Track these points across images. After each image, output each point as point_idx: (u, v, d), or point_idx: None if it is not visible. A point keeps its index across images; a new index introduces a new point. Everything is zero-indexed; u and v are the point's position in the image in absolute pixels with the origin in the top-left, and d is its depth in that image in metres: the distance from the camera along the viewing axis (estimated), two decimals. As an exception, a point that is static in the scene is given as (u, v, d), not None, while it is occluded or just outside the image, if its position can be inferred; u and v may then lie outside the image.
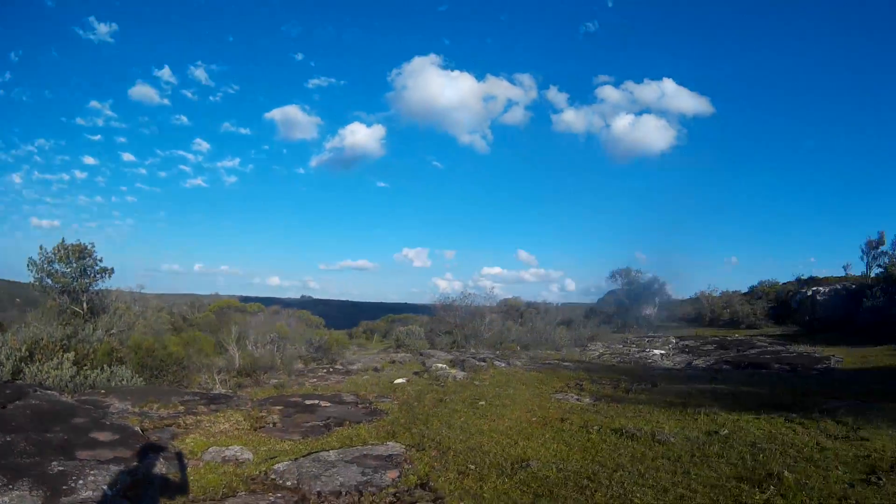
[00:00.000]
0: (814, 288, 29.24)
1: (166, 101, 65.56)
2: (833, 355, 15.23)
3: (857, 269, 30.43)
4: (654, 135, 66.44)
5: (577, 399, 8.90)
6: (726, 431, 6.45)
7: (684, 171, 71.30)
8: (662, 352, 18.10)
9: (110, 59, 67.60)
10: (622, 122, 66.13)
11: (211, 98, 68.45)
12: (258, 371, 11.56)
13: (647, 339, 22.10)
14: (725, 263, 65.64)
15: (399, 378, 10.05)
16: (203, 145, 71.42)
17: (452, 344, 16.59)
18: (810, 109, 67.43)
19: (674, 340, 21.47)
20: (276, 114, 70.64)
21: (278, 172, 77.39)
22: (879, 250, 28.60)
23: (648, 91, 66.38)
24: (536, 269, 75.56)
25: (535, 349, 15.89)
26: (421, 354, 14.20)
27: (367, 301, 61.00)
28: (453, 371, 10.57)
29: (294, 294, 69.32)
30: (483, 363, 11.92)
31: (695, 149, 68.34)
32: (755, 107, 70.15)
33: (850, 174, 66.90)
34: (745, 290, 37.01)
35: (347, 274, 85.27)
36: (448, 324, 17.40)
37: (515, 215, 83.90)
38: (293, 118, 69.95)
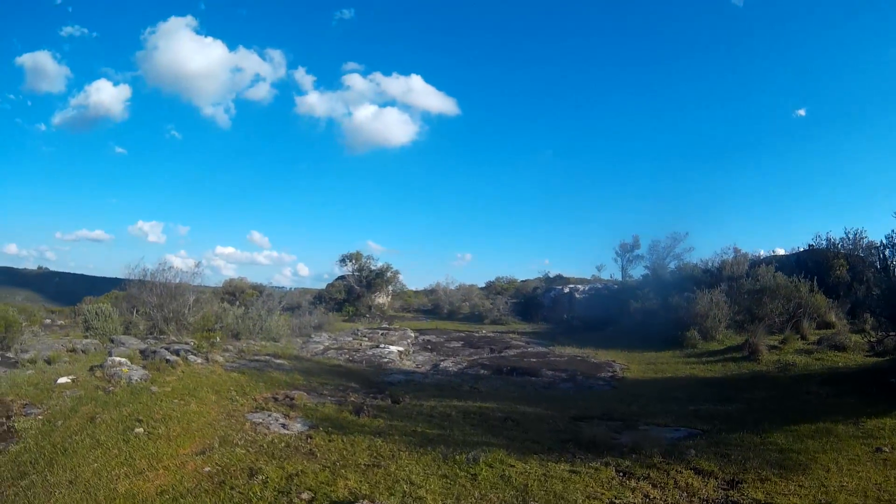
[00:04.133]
0: (571, 286, 30.27)
1: None
2: (613, 361, 14.56)
3: (608, 272, 33.17)
4: (396, 128, 72.74)
5: (284, 425, 7.39)
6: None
7: (423, 166, 78.89)
8: (401, 348, 16.86)
9: None
10: (365, 112, 71.00)
11: None
12: None
13: (381, 332, 21.04)
14: (459, 259, 74.93)
15: (65, 376, 9.44)
16: None
17: (151, 329, 15.43)
18: (555, 116, 79.46)
19: (412, 334, 20.82)
20: (26, 59, 63.12)
21: (21, 127, 68.77)
22: (634, 253, 31.07)
23: (396, 84, 72.04)
24: (270, 251, 78.11)
25: (248, 339, 15.72)
26: (111, 341, 13.18)
27: (104, 276, 56.17)
28: (133, 368, 10.56)
29: (31, 265, 62.83)
30: (175, 357, 11.42)
31: (437, 146, 75.97)
32: (502, 111, 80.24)
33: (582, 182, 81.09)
34: (481, 284, 41.04)
35: (84, 245, 79.29)
36: (147, 304, 15.90)
37: (251, 194, 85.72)
38: (43, 66, 63.63)
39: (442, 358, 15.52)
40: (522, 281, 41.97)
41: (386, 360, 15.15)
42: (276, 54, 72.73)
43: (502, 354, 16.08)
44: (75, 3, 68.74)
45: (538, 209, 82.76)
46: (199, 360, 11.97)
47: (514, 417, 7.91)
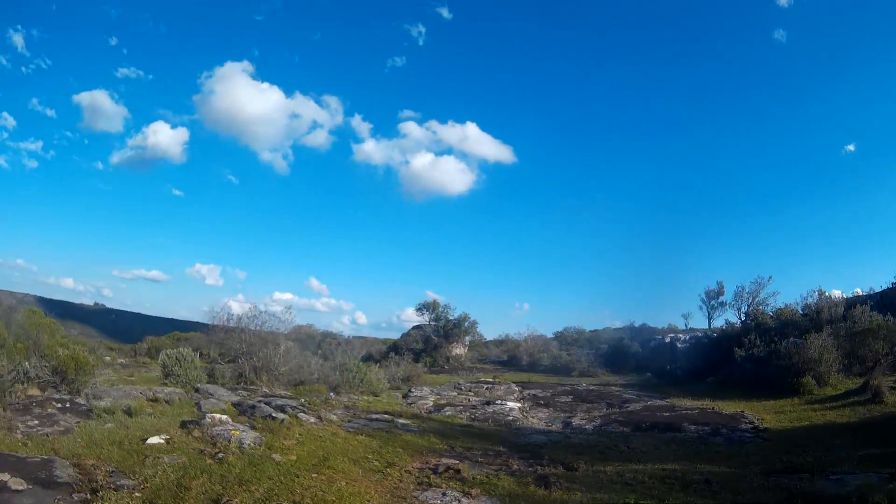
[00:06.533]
0: (671, 335, 28.48)
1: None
2: (742, 412, 13.66)
3: (695, 320, 31.34)
4: (453, 176, 71.10)
5: None
6: None
7: (480, 214, 77.12)
8: (518, 404, 15.41)
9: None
10: (422, 160, 70.36)
11: (23, 69, 63.18)
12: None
13: (486, 387, 19.55)
14: (517, 309, 71.15)
15: (156, 435, 7.26)
16: (9, 120, 64.17)
17: (239, 378, 13.54)
18: (613, 161, 77.35)
19: (516, 388, 19.52)
20: (84, 97, 65.51)
21: (78, 164, 71.94)
22: (719, 300, 29.73)
23: (452, 132, 71.13)
24: (328, 298, 76.96)
25: (346, 392, 13.70)
26: (196, 391, 11.22)
27: (159, 315, 56.52)
28: (239, 427, 8.15)
29: (88, 300, 63.03)
30: (283, 414, 9.39)
31: (494, 194, 74.22)
32: (559, 158, 78.77)
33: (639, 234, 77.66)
34: (548, 334, 37.98)
35: (140, 284, 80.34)
36: (234, 350, 14.20)
37: (310, 241, 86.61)
38: (100, 105, 65.30)
39: (567, 414, 14.28)
40: (592, 331, 38.88)
41: (510, 417, 13.54)
42: (333, 101, 73.45)
43: (629, 409, 14.86)
44: (130, 45, 72.14)
45: (599, 257, 79.55)
46: (312, 419, 9.92)
47: (709, 478, 7.25)
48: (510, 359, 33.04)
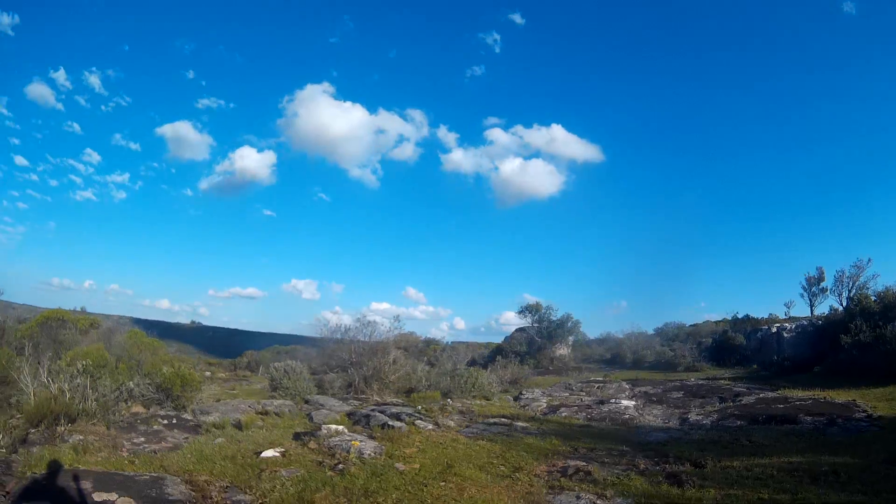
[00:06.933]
0: (777, 325, 27.24)
1: (60, 106, 62.68)
2: (854, 400, 13.11)
3: (798, 308, 30.03)
4: (543, 179, 68.34)
5: None
6: None
7: (572, 215, 73.79)
8: (632, 402, 14.81)
9: (8, 54, 63.25)
10: (511, 165, 67.97)
11: (103, 107, 66.16)
12: (60, 418, 7.65)
13: (597, 386, 18.73)
14: (614, 307, 67.22)
15: (270, 448, 6.55)
16: (94, 156, 67.95)
17: (348, 388, 13.04)
18: (697, 161, 72.32)
19: (627, 386, 18.65)
20: (166, 129, 67.95)
21: (167, 193, 75.08)
22: (820, 286, 28.31)
23: (538, 136, 68.64)
24: (426, 306, 74.51)
25: (459, 397, 12.74)
26: (306, 402, 10.66)
27: (257, 330, 57.30)
28: (356, 436, 7.25)
29: (184, 319, 65.64)
30: (399, 422, 8.52)
31: (584, 193, 71.05)
32: (647, 153, 74.57)
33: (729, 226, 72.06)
34: (650, 331, 36.42)
35: (237, 302, 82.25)
36: (342, 360, 13.74)
37: (404, 251, 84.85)
38: (184, 136, 67.76)
39: (682, 410, 13.79)
40: (692, 325, 36.86)
41: (626, 416, 13.05)
42: (417, 114, 72.45)
43: (742, 402, 14.30)
44: (208, 77, 74.18)
45: (693, 250, 74.01)
46: (430, 426, 9.03)
47: (836, 469, 6.85)
48: (613, 357, 32.02)
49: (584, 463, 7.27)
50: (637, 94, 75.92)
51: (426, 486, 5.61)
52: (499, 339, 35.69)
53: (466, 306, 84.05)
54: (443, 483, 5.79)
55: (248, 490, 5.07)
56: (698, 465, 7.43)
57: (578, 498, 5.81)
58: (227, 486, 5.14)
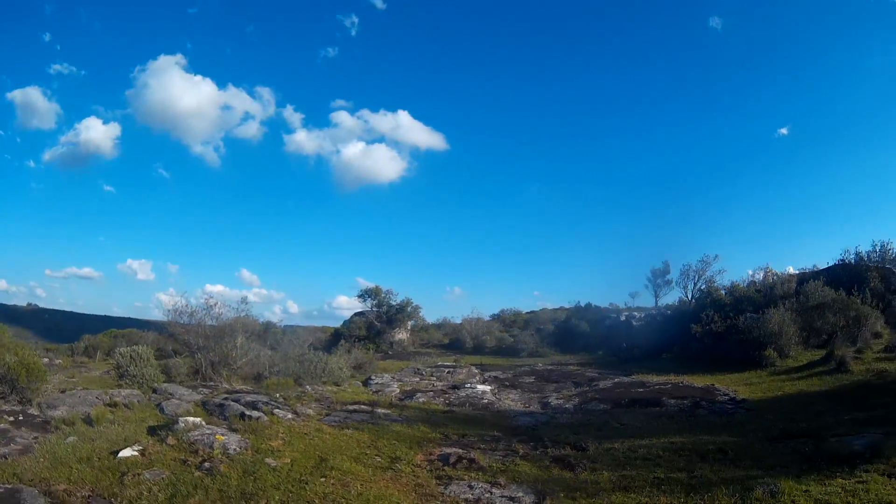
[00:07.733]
0: (626, 313, 29.53)
1: None
2: (714, 385, 13.95)
3: (644, 300, 33.22)
4: (385, 164, 72.62)
5: (511, 498, 5.66)
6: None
7: (413, 201, 77.33)
8: (488, 387, 15.23)
9: None
10: (354, 149, 70.88)
11: None
12: None
13: (447, 371, 19.28)
14: (448, 292, 72.34)
15: (127, 447, 6.52)
16: None
17: (195, 374, 12.65)
18: (546, 146, 79.11)
19: (476, 371, 19.51)
20: (17, 94, 62.03)
21: (10, 163, 68.23)
22: (665, 278, 31.11)
23: (383, 121, 71.09)
24: (259, 288, 74.35)
25: (310, 383, 13.08)
26: (155, 392, 10.31)
27: (93, 313, 53.98)
28: (217, 430, 7.49)
29: (21, 301, 58.94)
30: (257, 412, 8.79)
31: (426, 181, 74.59)
32: (492, 143, 79.94)
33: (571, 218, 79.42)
34: (486, 317, 38.05)
35: (73, 282, 77.12)
36: (187, 344, 13.25)
37: (241, 232, 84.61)
38: (34, 103, 62.70)
39: (539, 395, 14.15)
40: (529, 312, 39.85)
41: (485, 401, 13.28)
42: (266, 92, 72.06)
43: (599, 387, 14.90)
44: (63, 41, 68.65)
45: (531, 241, 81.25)
46: (289, 416, 9.43)
47: (723, 448, 7.37)
48: (453, 342, 32.99)
49: (462, 450, 7.48)
50: (487, 87, 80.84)
51: (307, 483, 5.70)
52: (333, 324, 36.58)
53: (300, 289, 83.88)
54: (322, 479, 5.90)
55: (112, 498, 5.11)
56: (580, 449, 7.70)
57: (471, 487, 5.99)
58: (88, 496, 5.16)
